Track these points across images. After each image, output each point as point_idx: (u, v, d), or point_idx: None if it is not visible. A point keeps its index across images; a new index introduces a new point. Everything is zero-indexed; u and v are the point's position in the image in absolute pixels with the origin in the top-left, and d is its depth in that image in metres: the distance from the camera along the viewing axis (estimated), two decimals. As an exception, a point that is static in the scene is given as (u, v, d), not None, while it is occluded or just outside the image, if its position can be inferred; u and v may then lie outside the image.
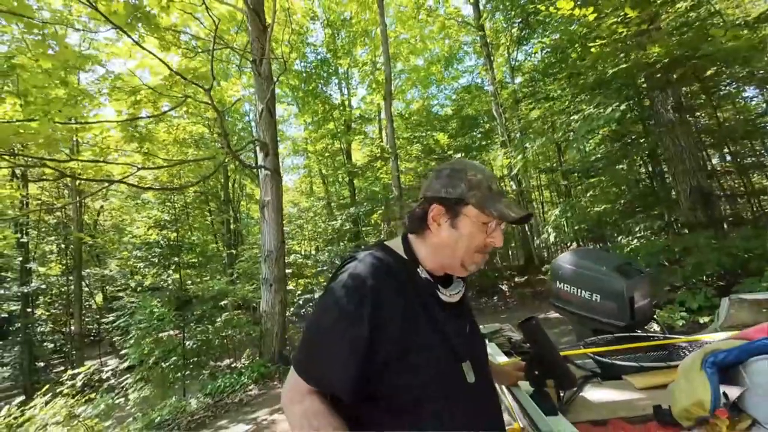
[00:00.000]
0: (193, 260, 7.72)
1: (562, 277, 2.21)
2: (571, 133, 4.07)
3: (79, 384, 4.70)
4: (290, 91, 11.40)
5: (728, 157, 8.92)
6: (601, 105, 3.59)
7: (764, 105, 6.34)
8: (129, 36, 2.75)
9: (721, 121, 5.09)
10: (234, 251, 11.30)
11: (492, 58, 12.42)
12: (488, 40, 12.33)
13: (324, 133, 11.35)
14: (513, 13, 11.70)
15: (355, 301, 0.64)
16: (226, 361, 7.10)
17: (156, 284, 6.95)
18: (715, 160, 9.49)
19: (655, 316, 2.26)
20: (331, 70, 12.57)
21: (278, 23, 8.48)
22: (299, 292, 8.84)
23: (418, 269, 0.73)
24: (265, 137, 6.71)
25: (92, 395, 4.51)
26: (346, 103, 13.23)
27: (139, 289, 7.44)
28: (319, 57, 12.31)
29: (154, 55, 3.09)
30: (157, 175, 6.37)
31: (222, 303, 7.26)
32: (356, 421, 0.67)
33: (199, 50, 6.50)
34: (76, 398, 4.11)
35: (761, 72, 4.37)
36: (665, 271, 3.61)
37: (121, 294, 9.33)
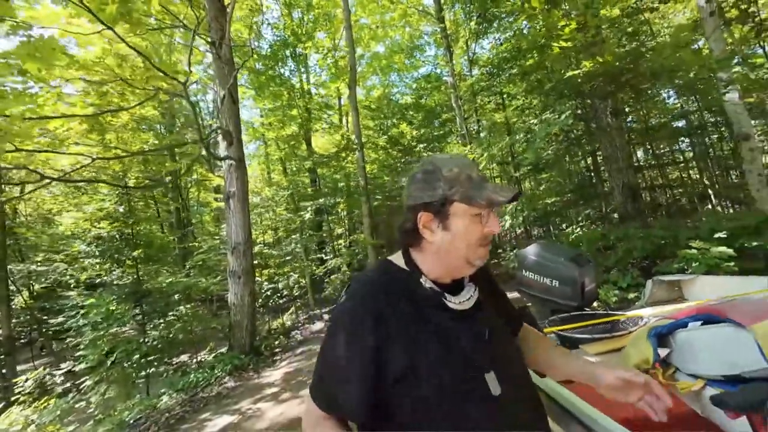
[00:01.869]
0: (149, 254, 7.29)
1: (527, 266, 2.60)
2: (529, 135, 4.55)
3: (29, 390, 4.41)
4: (248, 73, 10.83)
5: (650, 154, 10.28)
6: (556, 111, 4.09)
7: (680, 108, 7.41)
8: (108, 26, 2.53)
9: (647, 124, 5.97)
10: (187, 243, 10.76)
11: (452, 49, 12.79)
12: (448, 32, 12.66)
13: (287, 121, 11.02)
14: (471, 6, 12.11)
15: (356, 323, 0.65)
16: (183, 357, 6.92)
17: (108, 280, 6.49)
18: (640, 154, 10.88)
19: (597, 296, 2.77)
20: (291, 53, 12.11)
21: (238, 1, 8.00)
22: (265, 282, 8.75)
23: (421, 279, 0.71)
24: (228, 125, 6.44)
25: (49, 400, 4.25)
26: (306, 88, 12.90)
27: (87, 286, 6.89)
28: (279, 39, 11.77)
29: (126, 42, 2.88)
30: (107, 165, 5.85)
31: (176, 297, 6.99)
32: None
33: (150, 28, 5.96)
34: (33, 405, 3.87)
35: (680, 81, 5.19)
36: (601, 255, 4.26)
37: (60, 291, 8.52)
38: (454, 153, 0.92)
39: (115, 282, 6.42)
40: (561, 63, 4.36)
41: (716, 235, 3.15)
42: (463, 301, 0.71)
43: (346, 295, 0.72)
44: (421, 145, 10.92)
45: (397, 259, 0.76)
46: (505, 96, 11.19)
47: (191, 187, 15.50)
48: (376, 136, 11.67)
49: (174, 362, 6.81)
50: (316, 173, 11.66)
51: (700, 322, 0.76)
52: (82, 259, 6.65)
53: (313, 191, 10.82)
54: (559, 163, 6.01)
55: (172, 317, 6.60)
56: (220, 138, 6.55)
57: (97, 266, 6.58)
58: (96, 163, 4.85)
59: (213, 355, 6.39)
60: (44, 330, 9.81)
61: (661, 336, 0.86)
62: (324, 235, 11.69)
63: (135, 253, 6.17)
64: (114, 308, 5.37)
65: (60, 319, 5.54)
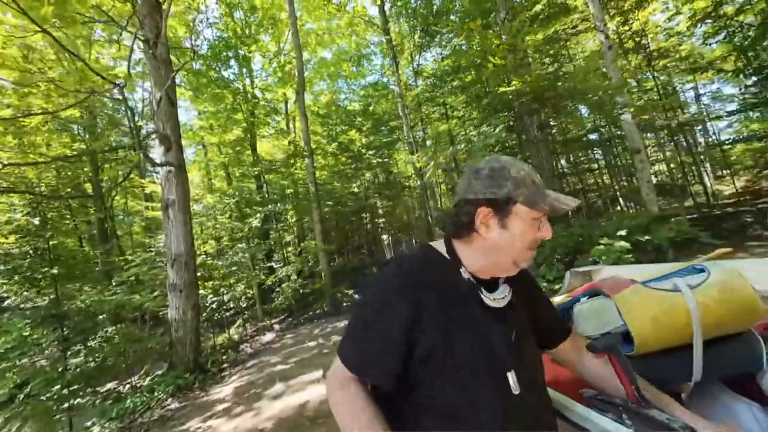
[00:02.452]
0: (70, 271, 6.48)
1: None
2: (470, 145, 5.01)
3: None
4: (185, 73, 10.17)
5: (571, 162, 11.68)
6: (492, 125, 4.58)
7: (592, 123, 8.57)
8: (43, 30, 2.28)
9: (566, 137, 6.90)
10: (113, 257, 9.72)
11: (397, 60, 13.31)
12: (394, 43, 13.16)
13: (230, 125, 10.54)
14: (415, 21, 12.76)
15: (395, 295, 0.67)
16: (114, 384, 6.27)
17: (19, 302, 5.64)
18: (563, 162, 12.33)
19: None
20: (233, 55, 11.63)
21: (173, -2, 7.53)
22: (209, 296, 8.25)
23: (461, 269, 0.72)
24: (166, 128, 6.03)
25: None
26: (251, 92, 12.47)
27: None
28: (220, 39, 11.24)
29: (63, 45, 2.60)
30: (21, 171, 5.08)
31: (103, 317, 6.32)
32: (394, 411, 0.69)
33: (80, 21, 5.36)
34: None
35: (588, 102, 6.12)
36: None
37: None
38: (515, 158, 0.77)
39: (29, 305, 5.61)
40: (495, 80, 4.89)
41: (618, 233, 3.80)
42: (498, 299, 0.72)
43: (390, 267, 0.73)
44: (370, 152, 11.16)
45: (439, 246, 0.77)
46: (448, 107, 11.93)
47: (117, 195, 13.99)
48: (325, 142, 11.66)
49: (104, 390, 6.11)
50: (263, 179, 11.30)
51: (587, 297, 1.03)
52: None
53: (260, 198, 10.46)
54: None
55: (100, 340, 5.94)
56: (156, 142, 6.11)
57: (4, 287, 5.68)
58: (5, 170, 4.23)
59: (151, 377, 5.87)
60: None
61: (566, 310, 1.12)
62: (272, 243, 11.34)
63: (54, 271, 5.46)
64: (28, 334, 4.71)
65: (-46, 351, 4.67)
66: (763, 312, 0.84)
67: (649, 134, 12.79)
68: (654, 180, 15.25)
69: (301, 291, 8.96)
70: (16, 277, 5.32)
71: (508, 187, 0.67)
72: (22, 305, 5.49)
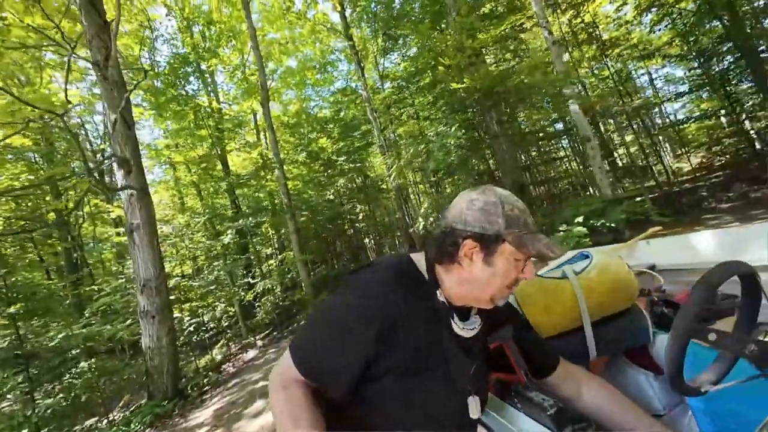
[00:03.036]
0: (32, 307, 6.18)
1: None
2: (430, 145, 5.11)
3: None
4: (144, 93, 9.90)
5: (540, 152, 12.05)
6: (448, 124, 4.70)
7: (551, 118, 8.89)
8: None
9: (528, 129, 7.16)
10: (83, 288, 9.32)
11: (362, 64, 13.38)
12: (358, 49, 13.23)
13: (195, 143, 10.32)
14: (377, 25, 12.88)
15: (367, 310, 0.65)
16: (92, 420, 6.01)
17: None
18: (535, 153, 12.71)
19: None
20: (193, 69, 11.40)
21: (122, 17, 7.32)
22: (186, 318, 8.02)
23: (437, 292, 0.71)
24: (124, 151, 5.85)
25: None
26: (215, 105, 12.25)
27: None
28: (177, 55, 11.00)
29: None
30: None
31: (74, 352, 6.06)
32: (338, 418, 0.69)
33: (10, 47, 5.14)
34: None
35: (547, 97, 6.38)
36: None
37: None
38: (511, 193, 0.73)
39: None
40: (446, 79, 5.01)
41: (576, 219, 3.96)
42: (467, 329, 0.72)
43: (366, 273, 0.72)
44: (342, 158, 11.16)
45: (419, 260, 0.75)
46: (416, 107, 12.11)
47: (84, 222, 13.40)
48: (296, 152, 11.58)
49: (80, 428, 5.85)
50: (236, 194, 11.10)
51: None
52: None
53: (233, 213, 10.28)
54: (465, 167, 6.84)
55: (70, 377, 5.68)
56: (115, 166, 5.92)
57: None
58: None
59: (130, 409, 5.66)
60: None
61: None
62: (251, 257, 11.16)
63: (11, 309, 5.19)
64: (-13, 379, 4.46)
65: None
66: (637, 290, 0.92)
67: (609, 120, 13.38)
68: (619, 163, 15.94)
69: (281, 303, 8.84)
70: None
71: (499, 224, 0.64)
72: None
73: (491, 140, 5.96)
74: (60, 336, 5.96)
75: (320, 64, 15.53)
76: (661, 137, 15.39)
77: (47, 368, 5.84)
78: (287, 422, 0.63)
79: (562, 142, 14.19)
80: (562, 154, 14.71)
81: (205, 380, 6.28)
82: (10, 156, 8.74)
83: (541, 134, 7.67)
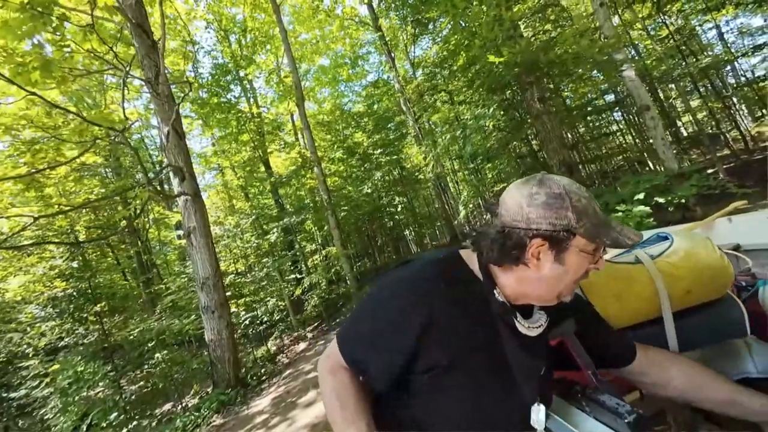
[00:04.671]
0: (113, 305, 6.96)
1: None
2: (466, 129, 4.90)
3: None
4: (191, 105, 10.61)
5: (590, 128, 11.14)
6: (486, 106, 4.45)
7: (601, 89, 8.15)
8: (31, 92, 2.49)
9: (574, 104, 6.62)
10: (155, 287, 10.31)
11: (393, 55, 13.21)
12: (387, 39, 13.07)
13: (239, 147, 10.90)
14: (405, 12, 12.61)
15: (410, 303, 0.63)
16: (168, 406, 6.67)
17: (71, 341, 6.13)
18: (582, 129, 11.79)
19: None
20: (232, 77, 12.00)
21: (167, 35, 7.89)
22: (242, 313, 8.57)
23: (495, 290, 0.66)
24: (177, 161, 6.32)
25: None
26: (255, 110, 12.81)
27: (48, 351, 6.45)
28: (217, 65, 11.62)
29: (57, 106, 2.83)
30: (52, 222, 5.56)
31: (149, 345, 6.73)
32: (386, 409, 0.69)
33: (77, 75, 5.75)
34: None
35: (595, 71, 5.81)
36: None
37: (18, 363, 7.89)
38: (572, 181, 0.62)
39: (80, 342, 6.08)
40: (483, 56, 4.71)
41: (636, 197, 3.58)
42: (533, 327, 0.67)
43: (414, 267, 0.69)
44: (378, 151, 11.16)
45: (469, 257, 0.70)
46: (451, 91, 11.74)
47: (150, 228, 14.82)
48: (333, 149, 11.79)
49: (158, 413, 6.53)
50: (279, 194, 11.59)
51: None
52: (38, 324, 6.24)
53: (278, 212, 10.75)
54: (505, 150, 6.48)
55: (148, 367, 6.34)
56: (171, 174, 6.42)
57: (56, 329, 6.19)
58: (39, 222, 4.62)
59: (199, 396, 6.20)
60: (5, 410, 9.00)
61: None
62: (297, 254, 11.63)
63: (96, 308, 5.88)
64: (82, 369, 5.11)
65: (22, 392, 5.18)
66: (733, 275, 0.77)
67: (670, 85, 11.98)
68: (684, 132, 14.25)
69: (327, 297, 9.12)
70: (65, 318, 5.76)
71: (569, 218, 0.59)
72: (73, 343, 5.96)
73: (533, 119, 5.59)
74: (137, 331, 6.67)
75: (351, 59, 15.59)
76: (735, 99, 13.48)
77: (128, 359, 6.58)
78: (335, 405, 0.65)
79: (614, 114, 12.99)
80: (614, 128, 13.49)
81: (263, 370, 6.67)
82: (86, 173, 9.87)
83: (589, 108, 7.04)
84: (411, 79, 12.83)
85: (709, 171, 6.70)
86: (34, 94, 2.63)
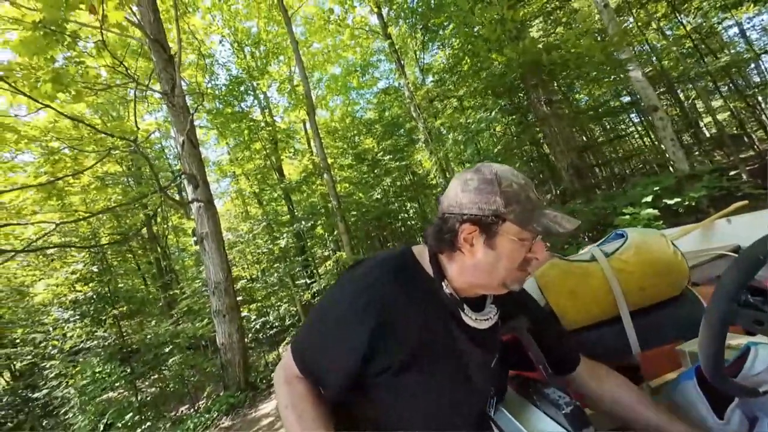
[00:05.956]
0: (131, 308, 7.21)
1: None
2: (469, 132, 4.89)
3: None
4: (207, 115, 10.99)
5: (605, 130, 10.91)
6: (489, 110, 4.44)
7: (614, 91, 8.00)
8: (46, 104, 2.69)
9: (578, 108, 6.54)
10: (171, 291, 10.61)
11: (403, 62, 13.33)
12: (397, 47, 13.22)
13: (252, 155, 11.20)
14: (414, 20, 12.75)
15: (361, 305, 0.62)
16: (182, 408, 6.82)
17: (91, 344, 6.38)
18: (597, 131, 11.53)
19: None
20: (245, 88, 12.38)
21: (184, 50, 8.24)
22: (253, 317, 8.72)
23: (443, 283, 0.66)
24: (191, 169, 6.55)
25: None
26: (268, 119, 13.13)
27: (71, 352, 6.74)
28: (232, 77, 12.03)
29: (71, 117, 3.02)
30: (75, 228, 5.87)
31: (166, 348, 6.92)
32: (346, 410, 0.68)
33: (97, 89, 6.10)
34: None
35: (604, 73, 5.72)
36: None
37: (43, 364, 8.24)
38: (511, 168, 0.64)
39: (99, 345, 6.33)
40: (485, 54, 4.67)
41: (643, 200, 3.49)
42: (481, 319, 0.66)
43: (361, 269, 0.68)
44: (388, 156, 11.24)
45: (421, 253, 0.70)
46: (460, 96, 11.74)
47: (168, 234, 15.31)
48: (343, 156, 11.95)
49: (172, 414, 6.69)
50: (291, 200, 11.80)
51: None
52: (62, 326, 6.53)
53: (290, 218, 10.95)
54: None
55: (163, 370, 6.51)
56: (185, 182, 6.66)
57: (78, 330, 6.46)
58: (63, 227, 4.89)
59: (211, 399, 6.32)
60: (30, 410, 9.40)
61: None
62: (309, 259, 11.77)
63: (115, 311, 6.12)
64: (100, 370, 5.30)
65: (45, 391, 5.42)
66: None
67: (689, 85, 11.61)
68: (706, 133, 13.73)
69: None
70: (86, 320, 6.02)
71: (497, 203, 0.59)
72: (91, 345, 6.20)
73: (540, 123, 5.53)
74: (153, 334, 6.89)
75: (362, 67, 15.82)
76: (760, 98, 12.93)
77: (144, 361, 6.78)
78: (291, 417, 0.63)
79: (631, 116, 12.66)
80: (630, 130, 13.12)
81: (272, 374, 6.75)
82: (108, 182, 10.34)
83: (601, 110, 6.91)
84: (421, 86, 12.90)
85: (732, 173, 6.44)
86: (49, 107, 2.82)
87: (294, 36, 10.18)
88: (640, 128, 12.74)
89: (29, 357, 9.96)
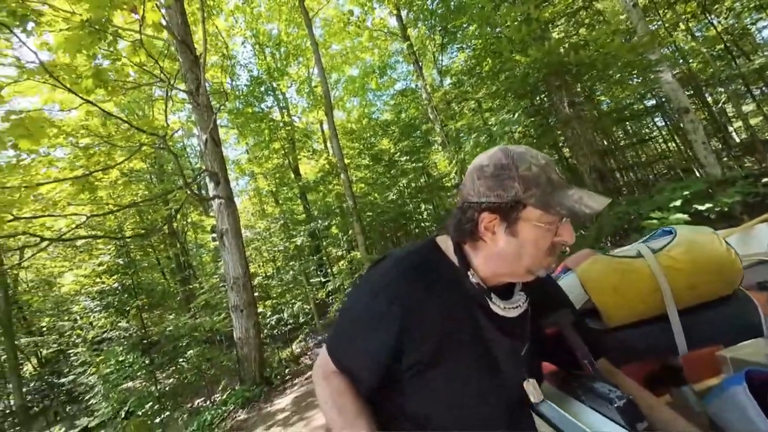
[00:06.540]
0: (152, 301, 7.43)
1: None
2: (491, 135, 4.85)
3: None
4: (228, 115, 11.25)
5: (628, 133, 10.61)
6: (511, 111, 4.39)
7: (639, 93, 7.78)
8: (87, 100, 2.83)
9: (603, 111, 6.38)
10: (189, 285, 10.89)
11: (420, 64, 13.33)
12: (415, 48, 13.23)
13: (270, 155, 11.40)
14: (433, 22, 12.74)
15: (388, 298, 0.62)
16: (198, 400, 6.97)
17: (115, 334, 6.62)
18: (620, 134, 11.23)
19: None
20: (266, 88, 12.62)
21: (207, 51, 8.48)
22: (268, 313, 8.84)
23: (469, 273, 0.64)
24: (213, 166, 6.72)
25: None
26: (286, 119, 13.34)
27: (95, 341, 7.01)
28: (253, 77, 12.29)
29: (108, 113, 3.16)
30: (102, 221, 6.12)
31: (183, 341, 7.10)
32: (379, 411, 0.67)
33: (128, 87, 6.35)
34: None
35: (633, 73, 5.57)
36: (579, 237, 4.47)
37: (68, 352, 8.58)
38: (528, 147, 0.64)
39: (122, 335, 6.55)
40: (507, 54, 4.60)
41: (672, 204, 3.38)
42: (509, 308, 0.65)
43: (387, 262, 0.68)
44: (404, 158, 11.25)
45: (445, 243, 0.69)
46: (478, 98, 11.64)
47: (188, 230, 15.74)
48: (360, 157, 12.02)
49: (189, 405, 6.86)
50: (307, 199, 11.94)
51: (563, 274, 0.97)
52: (88, 315, 6.80)
53: (306, 217, 11.08)
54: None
55: (182, 362, 6.68)
56: (207, 179, 6.83)
57: (103, 320, 6.71)
58: (91, 220, 5.10)
59: (227, 393, 6.45)
60: (56, 395, 9.81)
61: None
62: (323, 258, 11.88)
63: (138, 303, 6.33)
64: (122, 359, 5.49)
65: (70, 377, 5.64)
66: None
67: (719, 88, 11.18)
68: (736, 138, 13.17)
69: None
70: (110, 311, 6.24)
71: (516, 188, 0.57)
72: (114, 335, 6.43)
73: (562, 125, 5.43)
74: (172, 326, 7.08)
75: (380, 69, 15.91)
76: (796, 101, 12.32)
77: (164, 353, 6.98)
78: (332, 411, 0.64)
79: (655, 119, 12.28)
80: (655, 133, 12.72)
81: (287, 370, 6.83)
82: (133, 178, 10.71)
83: (626, 113, 6.72)
84: (438, 88, 12.86)
85: (765, 179, 6.17)
86: (89, 102, 2.95)
87: (314, 38, 10.31)
88: (664, 132, 12.34)
89: (55, 345, 10.41)
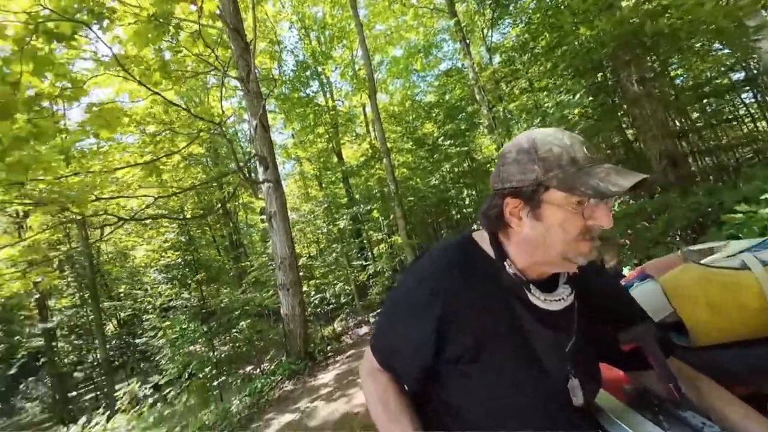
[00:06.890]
0: (209, 275, 8.11)
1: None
2: (546, 118, 4.50)
3: (127, 402, 5.14)
4: (275, 100, 11.61)
5: (706, 113, 9.37)
6: (571, 92, 4.01)
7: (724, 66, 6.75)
8: (154, 91, 3.08)
9: (679, 87, 5.59)
10: (241, 263, 11.69)
11: (468, 41, 12.66)
12: (463, 25, 12.56)
13: (314, 139, 11.66)
14: (483, -5, 11.93)
15: (425, 295, 0.62)
16: (249, 368, 7.59)
17: (179, 303, 7.36)
18: (695, 115, 9.94)
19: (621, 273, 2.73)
20: (311, 73, 12.79)
21: (257, 37, 8.73)
22: (312, 293, 9.26)
23: (506, 263, 0.63)
24: (262, 151, 7.03)
25: (143, 410, 4.94)
26: (331, 104, 13.48)
27: (162, 309, 7.86)
28: (299, 62, 12.51)
29: (172, 103, 3.41)
30: (167, 201, 6.77)
31: (236, 313, 7.69)
32: (424, 400, 0.68)
33: (187, 77, 6.77)
34: (131, 413, 4.54)
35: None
36: (642, 230, 4.06)
37: (141, 317, 9.70)
38: (558, 128, 0.60)
39: (184, 305, 7.26)
40: (570, 28, 4.15)
41: (764, 196, 2.92)
42: (551, 300, 0.62)
43: (423, 260, 0.69)
44: (448, 141, 10.92)
45: (481, 237, 0.69)
46: (531, 76, 10.86)
47: (240, 211, 16.79)
48: (402, 140, 11.88)
49: (241, 372, 7.51)
50: (349, 183, 12.13)
51: (639, 281, 0.87)
52: (155, 286, 7.62)
53: (348, 201, 11.29)
54: (593, 142, 5.76)
55: (235, 333, 7.28)
56: (257, 163, 7.17)
57: (168, 291, 7.48)
58: (158, 201, 5.63)
59: (274, 363, 6.95)
60: (131, 353, 11.24)
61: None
62: (364, 241, 12.11)
63: (198, 277, 6.94)
64: (185, 327, 6.08)
65: (143, 339, 6.38)
66: None
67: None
68: None
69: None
70: (175, 282, 6.91)
71: (536, 171, 0.56)
72: (177, 304, 7.14)
73: (629, 105, 4.88)
74: (226, 300, 7.71)
75: (424, 48, 15.40)
76: None
77: (220, 323, 7.65)
78: (377, 408, 0.66)
79: (742, 96, 10.63)
80: (742, 111, 11.05)
81: (329, 347, 7.17)
82: (192, 162, 11.57)
83: (707, 89, 5.86)
84: (486, 66, 12.18)
85: None
86: (156, 93, 3.20)
87: (359, 18, 10.18)
88: (752, 110, 10.67)
89: (130, 309, 11.84)
